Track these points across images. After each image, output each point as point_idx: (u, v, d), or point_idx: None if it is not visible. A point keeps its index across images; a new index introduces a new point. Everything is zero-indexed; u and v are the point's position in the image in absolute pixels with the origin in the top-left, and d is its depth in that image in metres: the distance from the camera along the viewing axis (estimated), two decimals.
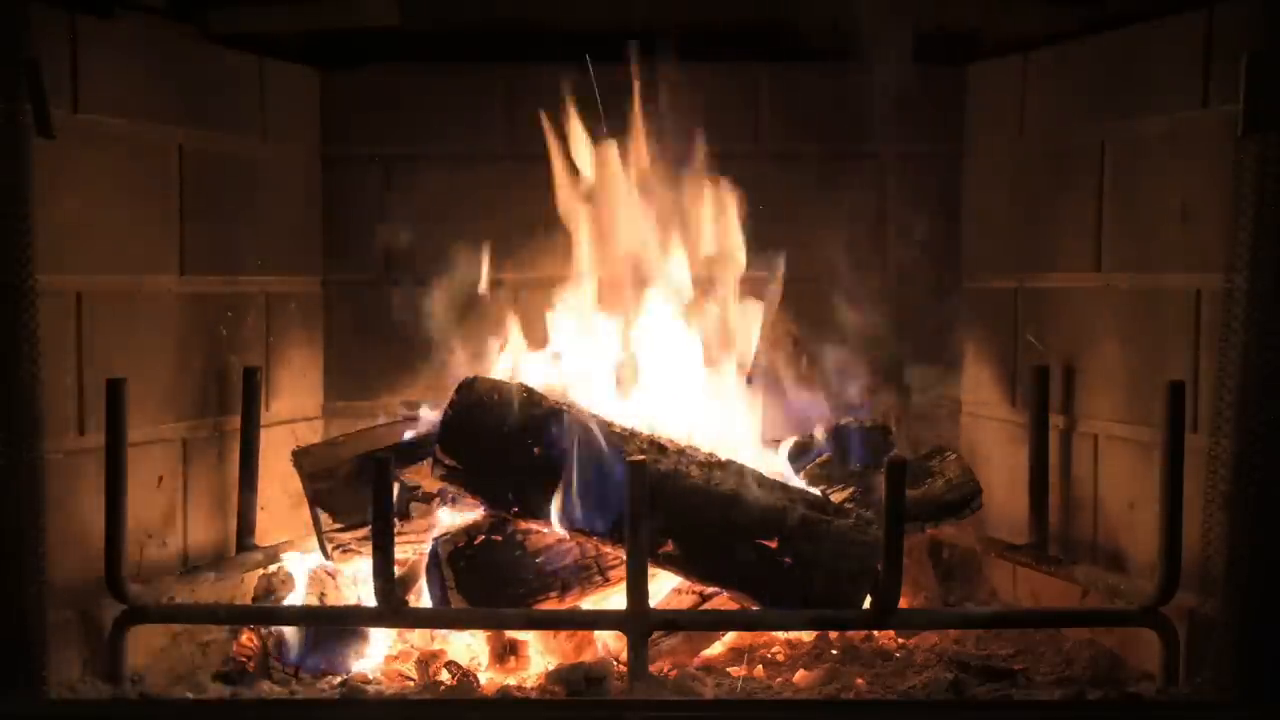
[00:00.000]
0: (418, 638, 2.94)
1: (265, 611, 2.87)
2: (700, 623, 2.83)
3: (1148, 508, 2.70)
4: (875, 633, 2.94)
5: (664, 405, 3.17)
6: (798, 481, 3.03)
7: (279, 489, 3.23)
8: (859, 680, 2.73)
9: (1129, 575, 2.79)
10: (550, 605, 2.82)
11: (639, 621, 2.60)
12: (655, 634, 2.69)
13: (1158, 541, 2.56)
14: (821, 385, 3.26)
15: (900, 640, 2.97)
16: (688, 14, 3.04)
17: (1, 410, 2.29)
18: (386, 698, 2.65)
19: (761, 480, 2.85)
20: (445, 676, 2.73)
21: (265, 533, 3.15)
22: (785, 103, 3.49)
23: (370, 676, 2.78)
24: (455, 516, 2.98)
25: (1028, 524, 3.10)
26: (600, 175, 3.24)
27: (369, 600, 2.75)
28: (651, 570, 2.68)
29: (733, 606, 2.85)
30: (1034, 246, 3.24)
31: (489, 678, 2.78)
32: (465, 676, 2.70)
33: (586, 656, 2.80)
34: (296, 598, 2.95)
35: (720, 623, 2.85)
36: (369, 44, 3.37)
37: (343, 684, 2.73)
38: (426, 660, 2.80)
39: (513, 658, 2.84)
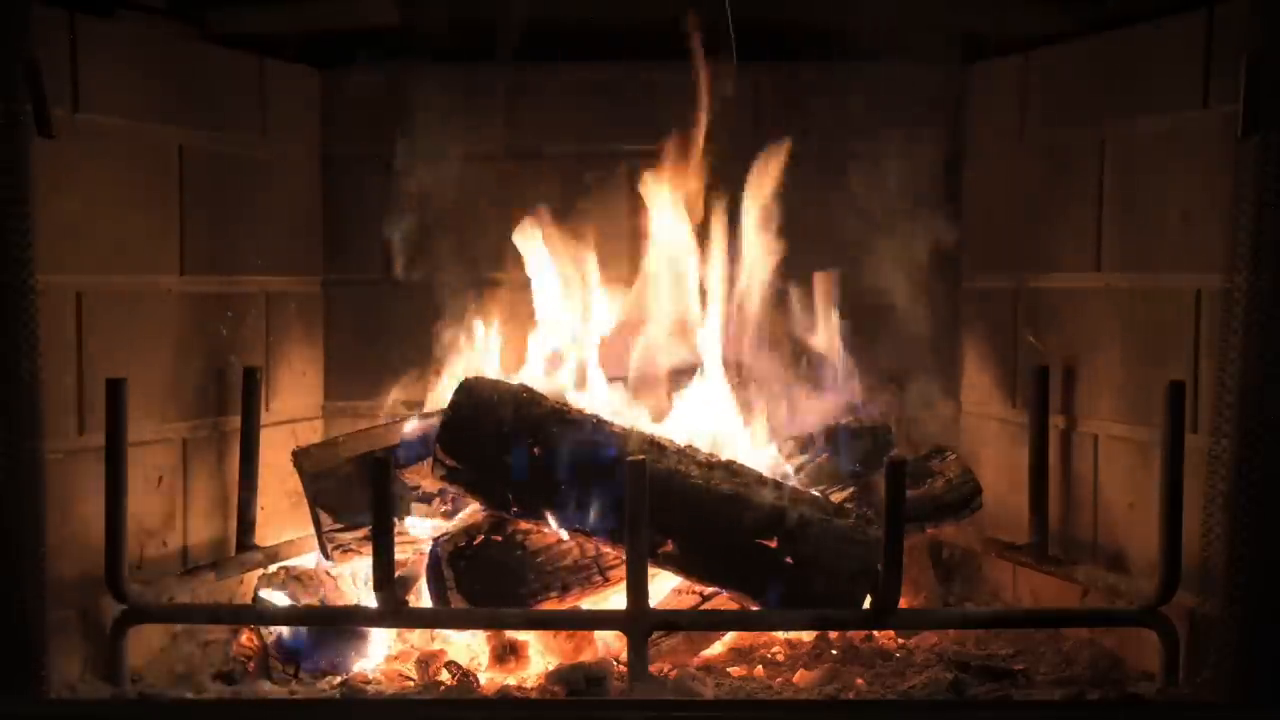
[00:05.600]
0: (418, 638, 2.94)
1: (265, 611, 2.87)
2: (700, 623, 2.83)
3: (1148, 508, 2.70)
4: (875, 633, 2.94)
5: (664, 405, 3.18)
6: (797, 482, 3.03)
7: (279, 489, 3.23)
8: (859, 680, 2.73)
9: (1129, 575, 2.79)
10: (550, 605, 2.82)
11: (639, 621, 2.60)
12: (655, 634, 2.69)
13: (1158, 541, 2.56)
14: (821, 385, 3.26)
15: (900, 640, 2.97)
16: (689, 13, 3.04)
17: (1, 410, 2.29)
18: (386, 698, 2.65)
19: (761, 480, 2.85)
20: (445, 676, 2.73)
21: (265, 533, 3.15)
22: (785, 102, 3.48)
23: (370, 676, 2.78)
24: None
25: (1028, 524, 3.10)
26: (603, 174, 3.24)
27: (369, 600, 2.75)
28: (651, 570, 2.68)
29: (733, 606, 2.85)
30: (1034, 246, 3.24)
31: (489, 678, 2.78)
32: (465, 676, 2.71)
33: (586, 656, 2.80)
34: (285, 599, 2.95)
35: (720, 623, 2.85)
36: (369, 44, 3.37)
37: (343, 684, 2.73)
38: (426, 660, 2.80)
39: (513, 658, 2.84)
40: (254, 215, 3.26)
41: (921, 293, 3.44)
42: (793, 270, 3.31)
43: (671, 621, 2.77)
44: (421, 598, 2.90)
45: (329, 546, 3.06)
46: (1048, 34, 3.10)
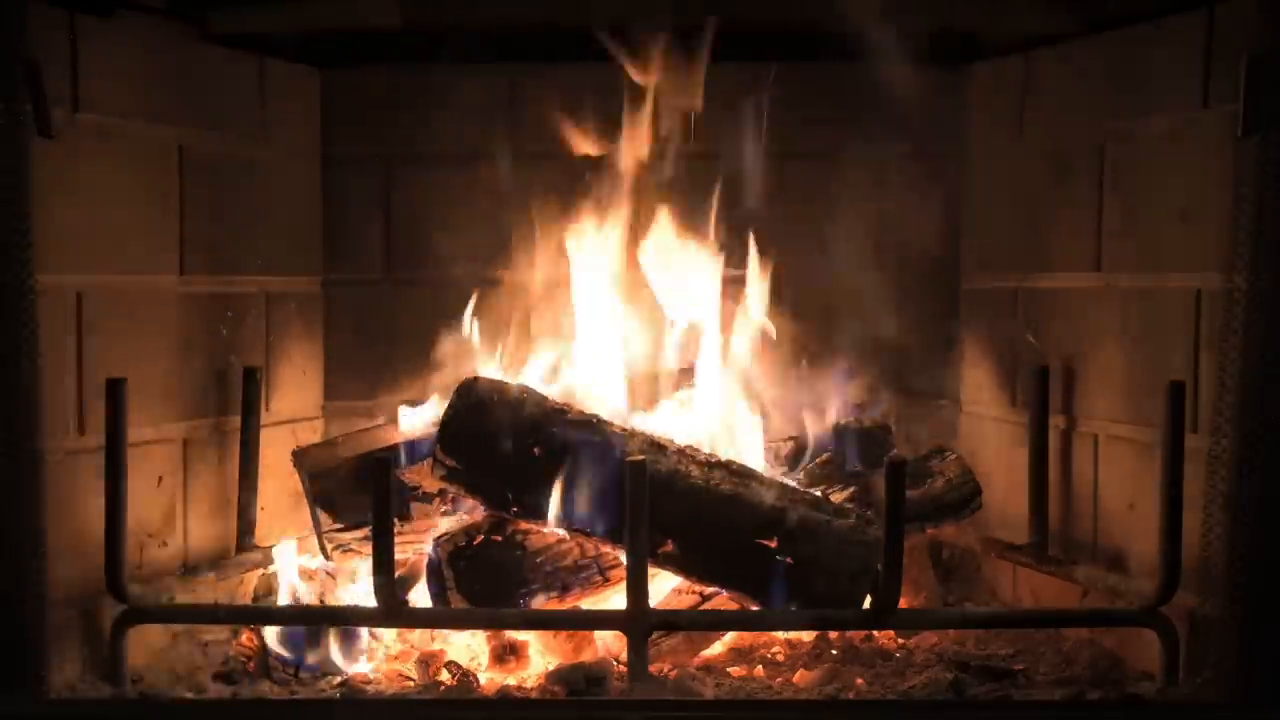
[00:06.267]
0: (418, 638, 2.94)
1: (265, 611, 2.87)
2: (700, 623, 2.83)
3: (1148, 508, 2.70)
4: (875, 633, 2.94)
5: (665, 406, 3.18)
6: (797, 482, 3.03)
7: (279, 489, 3.23)
8: (859, 680, 2.73)
9: (1129, 575, 2.79)
10: (550, 605, 2.82)
11: (639, 621, 2.60)
12: (655, 634, 2.69)
13: (1158, 541, 2.56)
14: (821, 385, 3.26)
15: (900, 640, 2.97)
16: (688, 14, 3.04)
17: (1, 410, 2.29)
18: (386, 698, 2.65)
19: (761, 480, 2.85)
20: (445, 676, 2.73)
21: (265, 533, 3.15)
22: (785, 102, 3.48)
23: (370, 676, 2.78)
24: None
25: (1028, 524, 3.10)
26: (603, 175, 3.24)
27: (369, 600, 2.75)
28: (651, 570, 2.68)
29: (733, 606, 2.85)
30: (1034, 246, 3.24)
31: (489, 678, 2.78)
32: (465, 676, 2.71)
33: (586, 656, 2.80)
34: (283, 597, 2.94)
35: (720, 623, 2.85)
36: (369, 44, 3.37)
37: (343, 684, 2.74)
38: (426, 660, 2.81)
39: (513, 658, 2.84)
40: (254, 215, 3.26)
41: (921, 293, 3.45)
42: (791, 270, 3.31)
43: (671, 621, 2.77)
44: (421, 598, 2.90)
45: (329, 546, 3.06)
46: (1048, 34, 3.09)
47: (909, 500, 2.66)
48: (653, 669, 2.65)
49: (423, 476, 2.96)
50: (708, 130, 3.25)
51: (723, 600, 2.86)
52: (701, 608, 2.87)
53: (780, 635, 2.95)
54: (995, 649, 2.92)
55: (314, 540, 3.10)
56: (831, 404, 3.23)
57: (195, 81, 3.03)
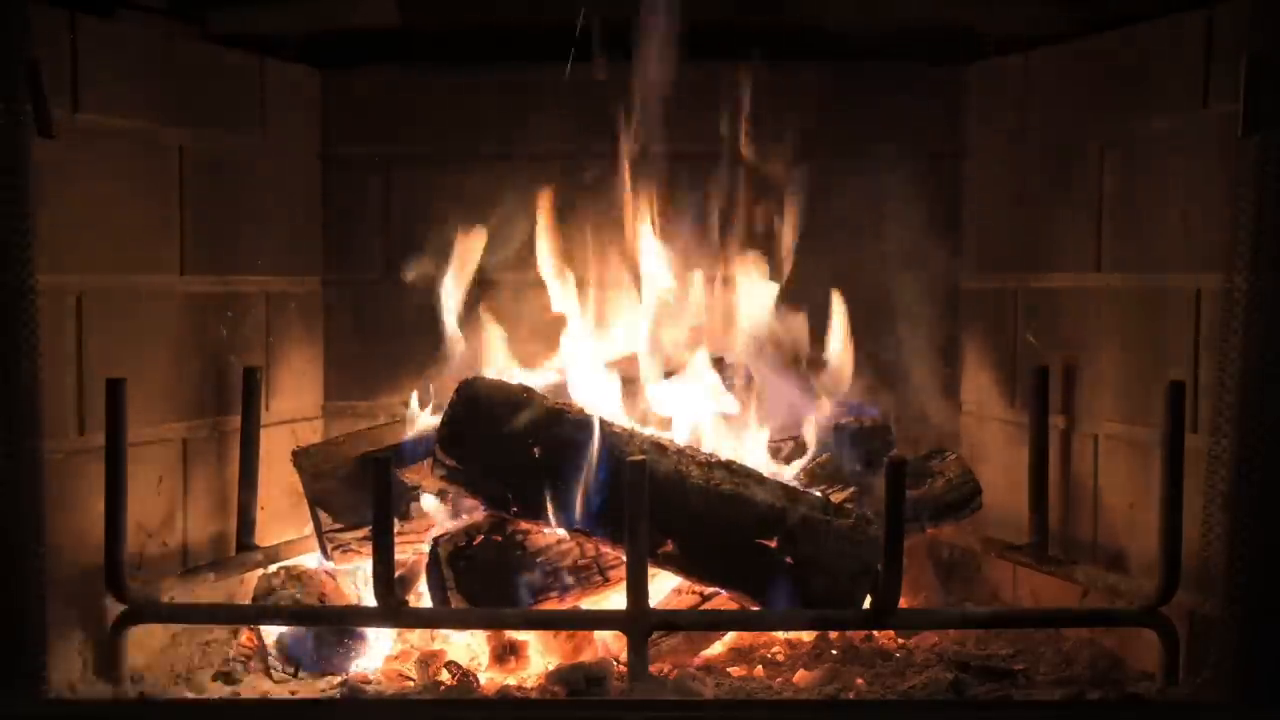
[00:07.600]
0: (418, 638, 2.94)
1: (265, 611, 2.87)
2: (700, 623, 2.83)
3: (1148, 508, 2.70)
4: (875, 633, 2.94)
5: (665, 406, 3.18)
6: (797, 482, 3.03)
7: (279, 489, 3.23)
8: (859, 680, 2.73)
9: (1129, 575, 2.79)
10: (550, 605, 2.82)
11: (639, 621, 2.60)
12: (655, 634, 2.69)
13: (1158, 541, 2.56)
14: (821, 385, 3.26)
15: (900, 640, 2.97)
16: (689, 14, 3.04)
17: (1, 410, 2.29)
18: (386, 698, 2.65)
19: (761, 480, 2.85)
20: (445, 676, 2.73)
21: (265, 533, 3.15)
22: (784, 103, 3.48)
23: (370, 676, 2.78)
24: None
25: (1028, 524, 3.10)
26: (602, 175, 3.24)
27: (369, 600, 2.75)
28: (651, 570, 2.68)
29: (733, 606, 2.85)
30: (1034, 246, 3.24)
31: (489, 678, 2.78)
32: (465, 676, 2.71)
33: (586, 656, 2.80)
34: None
35: (720, 623, 2.85)
36: (369, 44, 3.38)
37: (343, 684, 2.74)
38: (426, 660, 2.80)
39: (513, 658, 2.84)
40: (254, 215, 3.26)
41: (921, 293, 3.44)
42: (793, 271, 3.31)
43: (671, 621, 2.77)
44: (422, 598, 2.90)
45: (329, 546, 3.06)
46: (1048, 33, 3.10)
47: (909, 500, 2.66)
48: (653, 669, 2.65)
49: (423, 476, 2.96)
50: (705, 131, 3.25)
51: (723, 600, 2.86)
52: (701, 608, 2.87)
53: (780, 635, 2.95)
54: (995, 649, 2.93)
55: (314, 540, 3.10)
56: (831, 404, 3.23)
57: (195, 81, 3.03)
